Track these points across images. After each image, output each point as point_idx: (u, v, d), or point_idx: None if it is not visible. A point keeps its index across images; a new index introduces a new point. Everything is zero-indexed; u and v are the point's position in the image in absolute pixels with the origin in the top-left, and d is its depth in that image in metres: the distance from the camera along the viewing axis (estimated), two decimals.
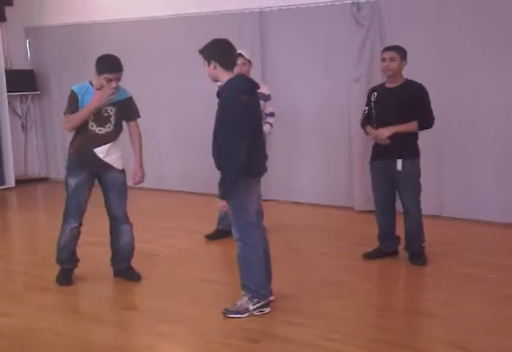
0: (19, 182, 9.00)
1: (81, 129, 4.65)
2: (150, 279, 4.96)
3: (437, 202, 6.47)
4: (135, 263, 5.08)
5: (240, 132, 3.93)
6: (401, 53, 4.98)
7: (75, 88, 4.67)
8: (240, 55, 5.57)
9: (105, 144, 4.68)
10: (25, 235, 6.67)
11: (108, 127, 4.68)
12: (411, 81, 5.03)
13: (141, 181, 4.87)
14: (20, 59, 9.33)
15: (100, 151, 4.68)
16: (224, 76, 4.05)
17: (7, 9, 8.79)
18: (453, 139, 6.41)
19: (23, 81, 9.11)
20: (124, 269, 4.94)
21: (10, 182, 8.94)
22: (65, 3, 8.90)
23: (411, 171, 5.03)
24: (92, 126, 4.64)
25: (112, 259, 4.98)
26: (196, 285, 4.78)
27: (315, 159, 7.32)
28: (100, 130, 4.66)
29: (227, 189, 4.00)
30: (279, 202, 7.47)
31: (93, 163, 4.68)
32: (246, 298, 4.19)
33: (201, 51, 4.09)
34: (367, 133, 5.28)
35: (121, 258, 4.94)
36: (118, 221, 4.86)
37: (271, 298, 4.32)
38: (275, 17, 7.28)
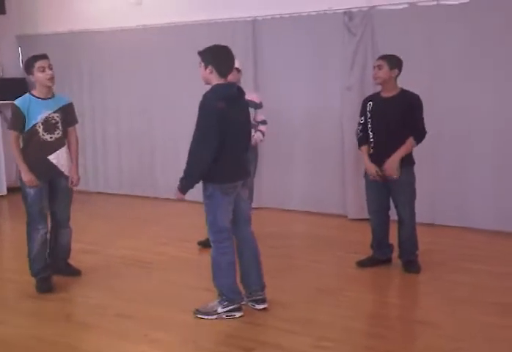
0: (10, 190, 8.95)
1: (31, 138, 4.73)
2: (143, 286, 4.94)
3: (430, 210, 6.48)
4: (126, 270, 5.16)
5: (208, 138, 3.99)
6: (391, 61, 4.97)
7: (18, 103, 4.75)
8: None
9: (57, 150, 4.83)
10: (16, 243, 6.60)
11: (58, 134, 4.83)
12: (407, 91, 5.02)
13: (77, 184, 5.01)
14: (13, 68, 9.31)
15: (54, 157, 4.82)
16: (216, 82, 4.11)
17: (0, 18, 8.77)
18: (446, 147, 6.42)
19: (15, 90, 9.03)
20: (64, 267, 5.09)
21: (2, 189, 8.92)
22: (58, 11, 8.91)
23: (408, 179, 5.03)
24: (43, 135, 4.74)
25: (50, 259, 5.00)
26: (189, 293, 4.75)
27: (308, 166, 7.33)
28: (50, 138, 4.78)
29: (187, 187, 4.14)
30: (272, 210, 7.47)
31: (48, 170, 4.80)
32: (216, 301, 4.25)
33: (200, 53, 4.15)
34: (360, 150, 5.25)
35: (60, 257, 5.06)
36: (60, 225, 5.00)
37: (263, 306, 4.33)
38: (268, 25, 7.32)
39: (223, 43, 4.24)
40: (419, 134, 5.00)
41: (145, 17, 8.12)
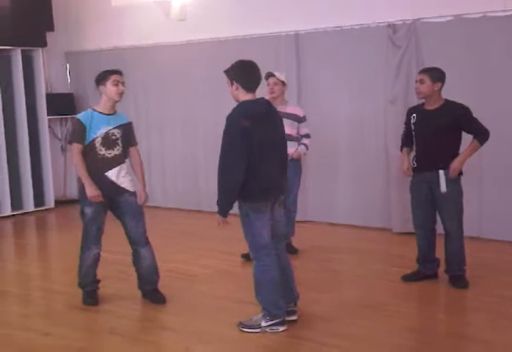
0: (58, 203, 9.14)
1: (90, 154, 4.66)
2: (187, 299, 4.96)
3: (476, 223, 6.36)
4: (172, 283, 5.15)
5: (236, 157, 3.96)
6: (432, 74, 4.91)
7: (80, 116, 4.70)
8: (272, 75, 5.63)
9: (115, 166, 4.72)
10: (64, 255, 6.72)
11: (117, 150, 4.73)
12: (451, 101, 4.97)
13: (145, 202, 4.89)
14: (60, 83, 9.54)
15: (112, 174, 4.72)
16: (244, 98, 4.10)
17: (48, 35, 8.97)
18: (492, 158, 6.30)
19: (62, 105, 9.27)
20: (149, 292, 4.94)
21: (50, 203, 9.09)
22: (103, 29, 9.08)
23: (455, 191, 4.96)
24: (100, 150, 4.66)
25: (138, 282, 4.99)
26: (233, 306, 4.76)
27: (352, 180, 7.29)
28: (109, 154, 4.69)
29: (223, 208, 4.12)
30: (316, 224, 7.43)
31: (106, 187, 4.70)
32: (260, 315, 4.25)
33: (226, 71, 4.17)
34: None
35: (146, 281, 4.94)
36: (137, 244, 4.88)
37: (293, 317, 4.34)
38: (311, 39, 7.32)
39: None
40: (482, 134, 4.94)
41: (189, 33, 8.19)
